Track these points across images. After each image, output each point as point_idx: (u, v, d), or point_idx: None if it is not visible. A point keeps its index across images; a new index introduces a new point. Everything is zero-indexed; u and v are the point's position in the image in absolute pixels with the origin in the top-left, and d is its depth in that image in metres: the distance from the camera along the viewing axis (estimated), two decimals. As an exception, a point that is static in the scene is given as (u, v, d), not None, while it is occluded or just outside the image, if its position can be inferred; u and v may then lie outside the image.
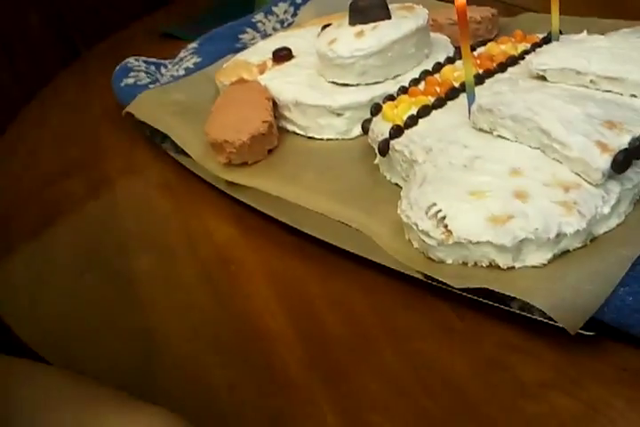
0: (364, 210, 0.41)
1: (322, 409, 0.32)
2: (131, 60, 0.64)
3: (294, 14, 0.67)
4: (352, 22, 0.51)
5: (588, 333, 0.31)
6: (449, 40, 0.55)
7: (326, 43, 0.51)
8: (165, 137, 0.55)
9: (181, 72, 0.62)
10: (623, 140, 0.35)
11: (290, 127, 0.52)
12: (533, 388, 0.30)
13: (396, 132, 0.43)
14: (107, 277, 0.45)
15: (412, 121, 0.43)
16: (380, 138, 0.44)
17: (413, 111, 0.44)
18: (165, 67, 0.65)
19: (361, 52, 0.49)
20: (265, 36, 0.65)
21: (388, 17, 0.51)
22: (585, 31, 0.46)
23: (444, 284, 0.35)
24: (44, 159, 0.60)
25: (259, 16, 0.67)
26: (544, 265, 0.34)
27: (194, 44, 0.65)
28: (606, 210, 0.34)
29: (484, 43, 0.51)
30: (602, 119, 0.36)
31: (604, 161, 0.34)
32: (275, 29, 0.66)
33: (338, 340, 0.36)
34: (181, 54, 0.65)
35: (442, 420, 0.31)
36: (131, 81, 0.61)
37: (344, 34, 0.51)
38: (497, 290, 0.33)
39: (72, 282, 0.45)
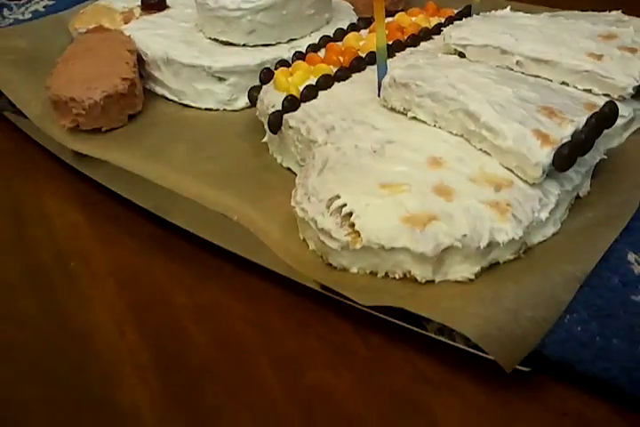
0: (247, 199, 0.34)
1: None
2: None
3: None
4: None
5: (523, 368, 0.25)
6: (352, 7, 0.49)
7: (208, -10, 0.42)
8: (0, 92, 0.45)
9: (27, 16, 0.54)
10: (566, 132, 0.29)
11: (159, 90, 0.45)
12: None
13: (291, 104, 0.36)
14: None
15: (311, 92, 0.36)
16: (271, 110, 0.36)
17: (312, 81, 0.37)
18: (10, 9, 0.54)
19: (249, 4, 0.42)
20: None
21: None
22: (508, 7, 0.41)
23: (347, 298, 0.28)
24: None
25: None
26: (470, 280, 0.27)
27: (44, -17, 0.54)
28: (544, 215, 0.28)
29: (390, 14, 0.45)
30: (538, 104, 0.31)
31: (546, 155, 0.28)
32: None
33: (209, 368, 0.28)
34: (29, -6, 0.54)
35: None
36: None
37: (231, -18, 0.42)
38: (413, 311, 0.26)
39: None
